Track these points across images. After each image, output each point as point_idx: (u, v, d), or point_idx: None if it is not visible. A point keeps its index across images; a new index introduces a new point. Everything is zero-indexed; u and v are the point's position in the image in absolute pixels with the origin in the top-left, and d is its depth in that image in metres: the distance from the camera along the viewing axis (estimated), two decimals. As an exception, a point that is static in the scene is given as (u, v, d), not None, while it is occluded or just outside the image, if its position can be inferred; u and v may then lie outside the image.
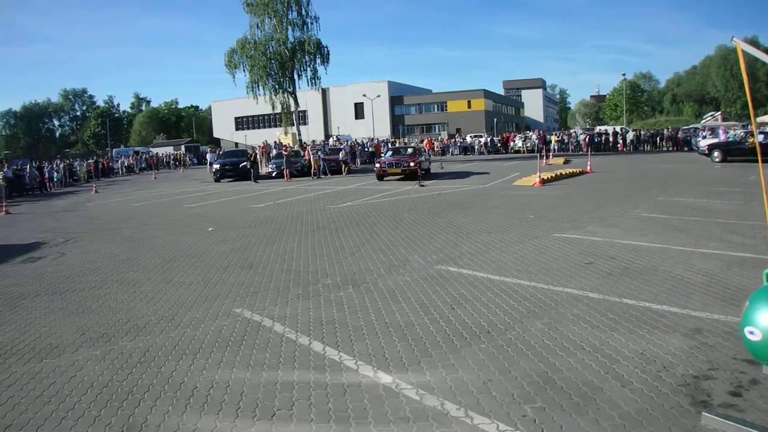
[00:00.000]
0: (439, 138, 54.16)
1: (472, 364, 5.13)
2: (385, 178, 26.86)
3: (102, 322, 6.99)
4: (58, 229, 16.23)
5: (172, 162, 57.61)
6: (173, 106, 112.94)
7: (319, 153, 34.34)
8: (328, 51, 44.47)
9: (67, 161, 45.99)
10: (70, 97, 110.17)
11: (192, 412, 4.55)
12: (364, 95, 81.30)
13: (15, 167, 36.14)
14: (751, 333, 4.77)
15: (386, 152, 31.91)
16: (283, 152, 33.95)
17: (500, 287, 7.62)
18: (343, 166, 33.84)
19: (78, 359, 5.85)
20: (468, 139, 54.59)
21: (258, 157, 35.06)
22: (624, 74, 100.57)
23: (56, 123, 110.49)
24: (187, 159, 57.88)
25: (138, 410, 4.63)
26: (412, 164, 26.00)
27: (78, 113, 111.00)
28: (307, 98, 61.13)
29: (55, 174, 37.52)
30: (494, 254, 9.66)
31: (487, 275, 8.25)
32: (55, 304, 8.08)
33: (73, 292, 8.70)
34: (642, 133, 49.86)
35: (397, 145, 48.33)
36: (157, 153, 62.00)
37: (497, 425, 4.08)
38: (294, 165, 32.39)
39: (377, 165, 27.66)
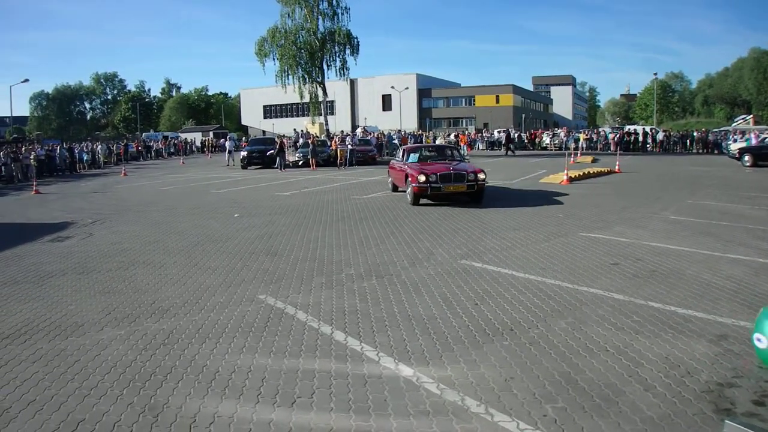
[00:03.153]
0: (467, 132, 53.74)
1: (494, 361, 5.10)
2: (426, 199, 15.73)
3: (127, 303, 7.09)
4: (87, 210, 16.46)
5: (205, 147, 57.95)
6: (203, 93, 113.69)
7: (348, 143, 34.27)
8: (357, 42, 44.54)
9: (97, 144, 46.51)
10: (102, 80, 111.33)
11: (213, 395, 4.60)
12: (392, 87, 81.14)
13: (46, 148, 36.60)
14: (759, 340, 4.73)
15: (406, 154, 17.86)
16: (310, 141, 34.05)
17: (525, 285, 7.57)
18: (369, 157, 33.85)
19: (102, 338, 5.94)
20: (495, 134, 54.20)
21: (285, 145, 35.17)
22: (656, 74, 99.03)
23: (87, 106, 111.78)
24: (216, 145, 58.07)
25: (160, 391, 4.68)
26: (480, 176, 15.25)
27: (109, 97, 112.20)
28: (336, 88, 61.13)
29: (85, 155, 37.98)
30: (519, 251, 9.60)
31: (511, 272, 8.20)
32: (82, 283, 8.20)
33: (99, 272, 8.83)
34: (672, 134, 49.12)
35: (422, 138, 48.08)
36: (185, 138, 62.49)
37: (518, 423, 4.06)
38: (320, 154, 32.45)
39: (414, 182, 15.23)
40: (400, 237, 10.94)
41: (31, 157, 31.11)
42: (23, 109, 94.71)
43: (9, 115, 63.21)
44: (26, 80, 75.86)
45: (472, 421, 4.11)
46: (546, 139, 50.12)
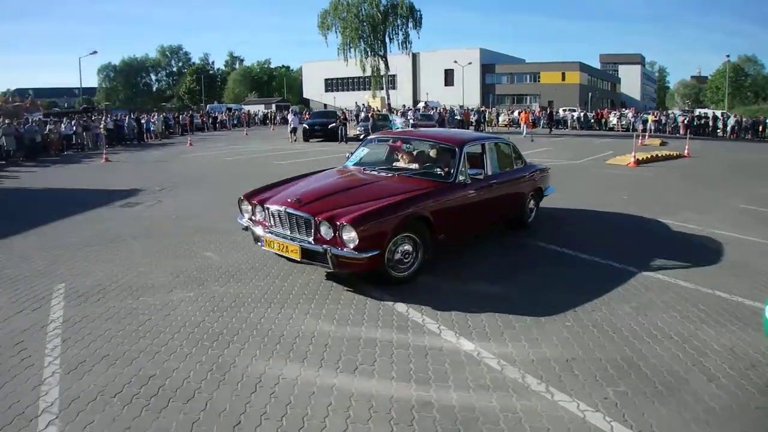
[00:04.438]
0: (533, 110, 52.61)
1: (555, 341, 5.10)
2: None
3: (195, 267, 7.32)
4: (155, 178, 16.91)
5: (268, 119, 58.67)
6: (266, 66, 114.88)
7: (410, 118, 34.13)
8: (420, 15, 44.18)
9: (163, 114, 47.62)
10: (167, 53, 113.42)
11: (278, 358, 4.75)
12: (455, 62, 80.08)
13: (115, 118, 37.66)
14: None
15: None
16: (370, 115, 34.08)
17: (590, 266, 7.51)
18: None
19: (172, 299, 6.16)
20: (561, 112, 53.04)
21: (347, 118, 35.30)
22: (728, 56, 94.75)
23: (153, 78, 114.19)
24: (281, 117, 58.63)
25: (227, 351, 4.86)
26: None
27: (174, 69, 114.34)
28: (397, 62, 60.76)
29: (152, 126, 38.93)
30: (586, 233, 9.47)
31: (576, 253, 8.11)
32: (152, 246, 8.50)
33: (168, 236, 9.11)
34: (743, 119, 47.16)
35: (486, 114, 47.44)
36: (248, 110, 63.35)
37: (578, 404, 4.07)
38: (382, 128, 32.47)
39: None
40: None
41: (101, 126, 32.06)
42: (92, 80, 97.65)
43: (79, 86, 65.18)
44: (95, 52, 78.27)
45: (532, 398, 4.14)
46: (613, 120, 48.79)
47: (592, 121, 49.67)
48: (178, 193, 13.79)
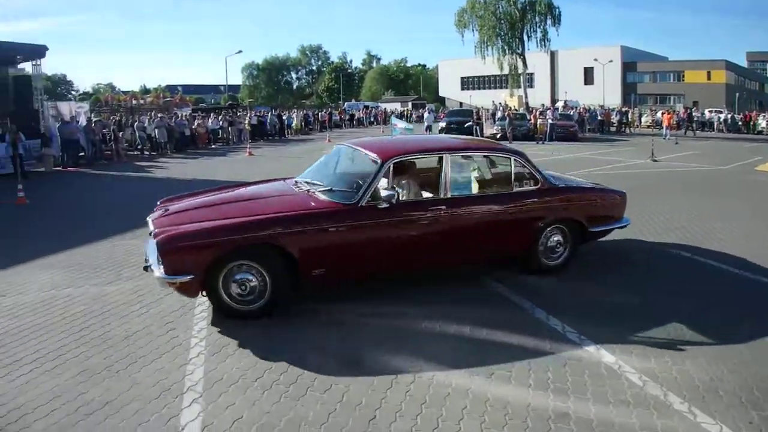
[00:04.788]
0: (677, 111, 49.61)
1: (700, 359, 4.87)
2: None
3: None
4: (294, 172, 17.48)
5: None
6: (402, 64, 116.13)
7: (549, 118, 33.40)
8: (559, 11, 43.15)
9: (303, 111, 49.53)
10: (307, 52, 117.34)
11: (414, 356, 4.87)
12: (595, 60, 77.12)
13: (258, 114, 39.61)
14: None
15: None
16: (507, 115, 33.68)
17: (742, 282, 7.09)
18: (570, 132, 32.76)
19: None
20: (706, 114, 49.76)
21: (483, 117, 35.06)
22: None
23: (294, 76, 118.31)
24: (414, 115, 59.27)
25: (364, 345, 5.03)
26: None
27: (314, 68, 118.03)
28: (535, 60, 59.39)
29: (292, 122, 40.63)
30: (737, 246, 8.75)
31: (727, 267, 7.64)
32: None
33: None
34: None
35: (628, 115, 45.39)
36: (385, 108, 64.45)
37: (721, 427, 3.89)
38: (519, 128, 32.00)
39: None
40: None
41: (246, 122, 33.86)
42: (236, 78, 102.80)
43: (224, 83, 68.95)
44: (240, 51, 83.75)
45: (673, 418, 4.01)
46: (762, 122, 45.13)
47: (740, 123, 46.17)
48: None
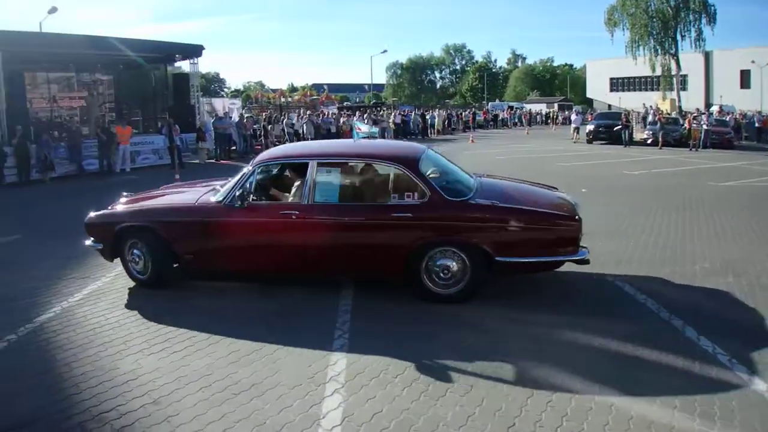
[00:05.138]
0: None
1: None
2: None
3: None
4: (438, 173, 17.62)
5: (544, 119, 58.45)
6: (548, 64, 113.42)
7: (703, 123, 31.33)
8: (714, 10, 40.43)
9: (446, 111, 49.66)
10: (451, 51, 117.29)
11: (555, 367, 4.72)
12: (753, 62, 71.20)
13: (402, 113, 40.19)
14: None
15: None
16: (659, 119, 31.94)
17: None
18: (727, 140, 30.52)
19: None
20: None
21: (632, 120, 33.53)
22: None
23: (437, 75, 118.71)
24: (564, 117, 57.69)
25: (505, 350, 4.93)
26: None
27: (457, 67, 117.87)
28: (688, 61, 56.02)
29: (435, 121, 40.87)
30: None
31: None
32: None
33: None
34: None
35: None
36: (530, 109, 63.27)
37: None
38: (671, 133, 30.25)
39: None
40: (761, 233, 9.77)
41: (390, 120, 34.46)
42: (380, 77, 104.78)
43: (369, 82, 70.61)
44: (385, 51, 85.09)
45: None
46: None
47: None
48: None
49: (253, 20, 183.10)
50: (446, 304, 6.08)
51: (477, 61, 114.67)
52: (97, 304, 6.48)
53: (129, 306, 6.43)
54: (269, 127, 28.34)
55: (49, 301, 6.59)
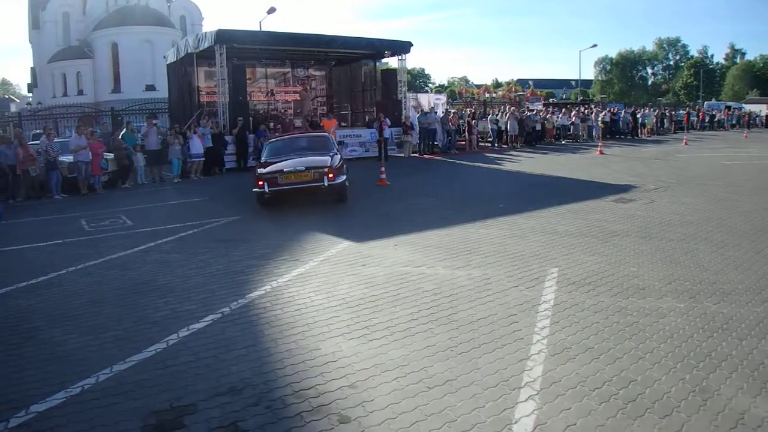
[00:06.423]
0: None
1: None
2: None
3: (688, 277, 7.04)
4: (648, 176, 16.71)
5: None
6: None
7: None
8: None
9: (659, 109, 46.58)
10: (664, 46, 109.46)
11: (766, 396, 4.26)
12: None
13: (611, 111, 38.33)
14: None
15: None
16: None
17: None
18: None
19: (662, 306, 6.08)
20: None
21: None
22: None
23: (648, 71, 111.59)
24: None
25: (712, 376, 4.57)
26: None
27: (671, 62, 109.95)
28: None
29: (646, 120, 38.54)
30: None
31: None
32: (644, 247, 8.51)
33: (661, 240, 8.99)
34: None
35: None
36: (749, 110, 57.29)
37: None
38: None
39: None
40: None
41: (599, 118, 33.05)
42: (587, 72, 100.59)
43: (577, 77, 68.01)
44: (594, 45, 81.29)
45: None
46: None
47: None
48: (672, 195, 13.31)
49: (456, 17, 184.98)
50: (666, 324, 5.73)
51: (692, 57, 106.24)
52: (304, 287, 7.01)
53: (333, 291, 6.83)
54: (473, 122, 28.50)
55: (261, 280, 7.27)
